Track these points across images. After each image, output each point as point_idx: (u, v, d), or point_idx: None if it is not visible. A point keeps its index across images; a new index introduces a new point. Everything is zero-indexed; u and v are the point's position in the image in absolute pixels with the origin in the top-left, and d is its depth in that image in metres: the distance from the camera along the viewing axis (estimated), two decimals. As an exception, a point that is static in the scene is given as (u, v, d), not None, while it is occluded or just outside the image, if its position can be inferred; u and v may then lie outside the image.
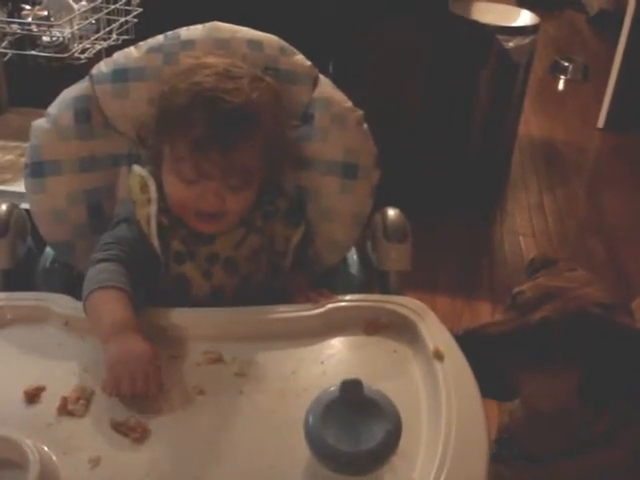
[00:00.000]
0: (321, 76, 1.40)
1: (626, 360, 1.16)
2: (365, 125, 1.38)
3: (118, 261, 1.16)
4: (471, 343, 1.16)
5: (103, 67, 1.36)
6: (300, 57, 1.39)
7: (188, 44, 1.35)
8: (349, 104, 1.38)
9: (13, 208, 1.32)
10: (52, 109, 1.34)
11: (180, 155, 1.19)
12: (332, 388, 0.89)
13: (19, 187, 1.99)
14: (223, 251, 1.25)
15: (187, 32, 1.38)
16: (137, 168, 1.28)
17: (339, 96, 1.38)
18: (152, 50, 1.36)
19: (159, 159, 1.25)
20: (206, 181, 1.19)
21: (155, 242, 1.22)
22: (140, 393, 1.00)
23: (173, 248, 1.23)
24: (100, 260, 1.17)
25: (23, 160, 2.18)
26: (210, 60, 1.24)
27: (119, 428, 0.97)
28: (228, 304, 1.22)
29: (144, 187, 1.25)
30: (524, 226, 3.13)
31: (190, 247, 1.24)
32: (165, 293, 1.23)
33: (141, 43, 1.38)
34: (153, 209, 1.23)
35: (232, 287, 1.26)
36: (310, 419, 0.85)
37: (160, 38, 1.37)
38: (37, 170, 1.31)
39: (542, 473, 1.30)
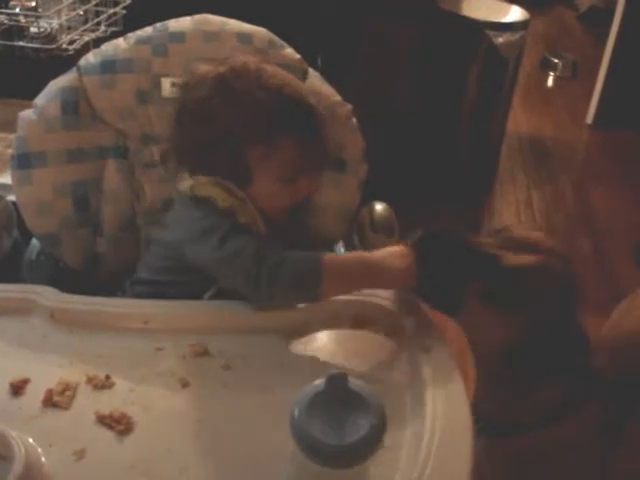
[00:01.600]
0: (310, 69, 1.40)
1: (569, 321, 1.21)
2: (354, 119, 1.38)
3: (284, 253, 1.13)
4: (447, 240, 1.17)
5: (91, 58, 1.35)
6: (289, 50, 1.40)
7: (177, 36, 1.35)
8: (338, 98, 1.38)
9: (-1, 200, 1.32)
10: (39, 100, 1.34)
11: (284, 155, 1.17)
12: (317, 381, 0.89)
13: (4, 179, 1.99)
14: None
15: (176, 24, 1.38)
16: (203, 178, 1.21)
17: (328, 90, 1.39)
18: (140, 42, 1.35)
19: (247, 177, 1.20)
20: (306, 173, 1.21)
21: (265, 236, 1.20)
22: None
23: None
24: (281, 261, 1.10)
25: (9, 152, 2.18)
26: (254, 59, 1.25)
27: (104, 420, 0.97)
28: None
29: (230, 191, 1.19)
30: (512, 221, 3.13)
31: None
32: None
33: (129, 35, 1.38)
34: (252, 207, 1.20)
35: None
36: (295, 412, 0.85)
37: (149, 30, 1.37)
38: (23, 161, 1.31)
39: (504, 448, 1.31)
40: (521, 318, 1.19)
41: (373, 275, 1.11)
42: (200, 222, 1.17)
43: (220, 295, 1.19)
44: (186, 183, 1.23)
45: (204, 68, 1.22)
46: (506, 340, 1.20)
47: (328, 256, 1.12)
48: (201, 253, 1.15)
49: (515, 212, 3.20)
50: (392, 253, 1.10)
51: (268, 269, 1.08)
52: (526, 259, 1.19)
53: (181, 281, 1.21)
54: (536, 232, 1.29)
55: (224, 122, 1.17)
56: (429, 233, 1.15)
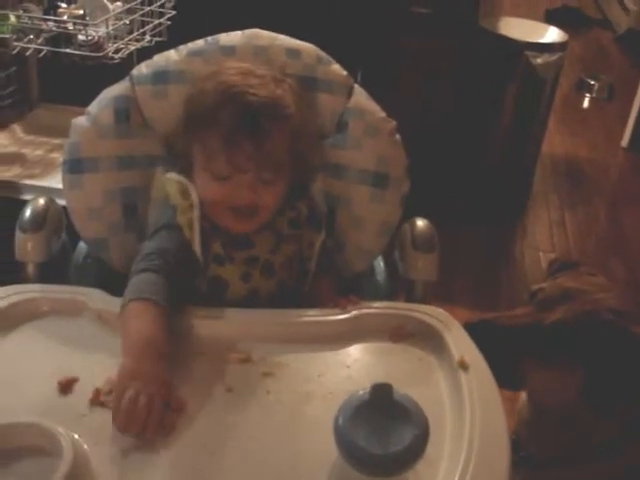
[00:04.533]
0: (356, 86, 1.42)
1: (633, 367, 1.19)
2: (398, 136, 1.40)
3: (159, 272, 1.15)
4: (485, 331, 1.20)
5: (144, 69, 1.38)
6: (337, 67, 1.41)
7: (228, 50, 1.38)
8: (383, 115, 1.40)
9: (50, 203, 1.34)
10: (92, 108, 1.36)
11: (212, 150, 1.21)
12: (361, 391, 0.90)
13: (47, 182, 2.03)
14: (262, 254, 1.28)
15: (227, 38, 1.40)
16: (174, 175, 1.29)
17: (373, 106, 1.40)
18: (192, 54, 1.38)
19: (189, 162, 1.27)
20: (240, 175, 1.21)
21: (197, 247, 1.23)
22: (138, 419, 0.95)
23: (213, 251, 1.25)
24: (142, 270, 1.16)
25: (52, 156, 2.24)
26: (233, 64, 1.30)
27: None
28: (263, 307, 1.24)
29: (184, 193, 1.25)
30: (544, 242, 3.13)
31: (229, 251, 1.26)
32: (202, 293, 1.25)
33: (181, 47, 1.40)
34: (196, 214, 1.23)
35: (268, 291, 1.28)
36: (340, 420, 0.87)
37: (200, 42, 1.40)
38: (75, 167, 1.33)
39: (548, 478, 1.32)
40: (579, 369, 1.21)
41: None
42: (157, 216, 1.31)
43: None
44: (166, 175, 1.32)
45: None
46: (575, 394, 1.21)
47: (136, 306, 1.10)
48: None
49: (548, 234, 3.19)
50: (134, 373, 1.00)
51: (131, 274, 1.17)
52: (560, 312, 1.22)
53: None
54: (565, 278, 1.31)
55: (186, 114, 1.28)
56: (469, 327, 1.18)
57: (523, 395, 1.40)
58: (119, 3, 2.08)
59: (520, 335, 1.24)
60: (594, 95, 4.74)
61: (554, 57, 3.17)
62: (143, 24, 2.12)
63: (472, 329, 1.17)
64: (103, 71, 1.94)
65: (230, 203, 1.23)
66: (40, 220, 1.31)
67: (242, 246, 1.27)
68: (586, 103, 4.72)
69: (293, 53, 1.39)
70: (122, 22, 2.06)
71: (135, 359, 1.03)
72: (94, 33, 2.02)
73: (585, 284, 1.27)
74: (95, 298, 1.19)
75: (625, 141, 4.03)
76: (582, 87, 4.80)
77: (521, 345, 1.24)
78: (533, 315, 1.25)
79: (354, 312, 1.20)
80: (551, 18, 5.44)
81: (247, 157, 1.20)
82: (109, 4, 2.06)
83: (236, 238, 1.26)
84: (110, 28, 2.01)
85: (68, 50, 2.03)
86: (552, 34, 3.31)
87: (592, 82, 4.77)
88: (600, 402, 1.21)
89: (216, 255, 1.25)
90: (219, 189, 1.22)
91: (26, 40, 2.02)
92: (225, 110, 1.20)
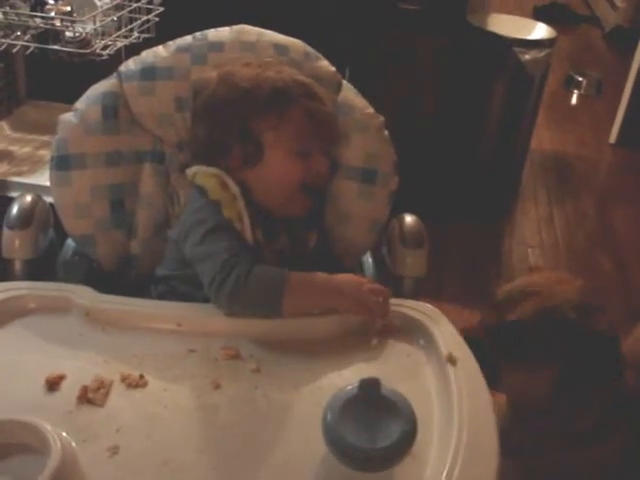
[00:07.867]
0: (344, 82, 1.42)
1: (595, 361, 1.21)
2: (386, 132, 1.40)
3: (254, 263, 1.17)
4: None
5: (131, 65, 1.38)
6: (324, 63, 1.41)
7: (216, 46, 1.37)
8: (371, 110, 1.40)
9: (38, 200, 1.34)
10: (80, 104, 1.36)
11: (299, 126, 1.25)
12: (350, 386, 0.90)
13: (36, 179, 2.02)
14: (285, 248, 1.29)
15: (215, 34, 1.40)
16: (205, 168, 1.28)
17: (361, 102, 1.40)
18: (180, 50, 1.38)
19: (259, 153, 1.26)
20: (317, 149, 1.28)
21: (249, 236, 1.23)
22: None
23: (256, 237, 1.25)
24: (248, 272, 1.15)
25: (40, 153, 2.23)
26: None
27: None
28: None
29: (223, 185, 1.25)
30: (533, 238, 3.13)
31: (267, 237, 1.26)
32: None
33: (169, 42, 1.40)
34: (241, 204, 1.24)
35: None
36: (328, 415, 0.87)
37: (188, 38, 1.39)
38: (63, 163, 1.33)
39: (539, 465, 1.32)
40: (547, 367, 1.22)
41: (331, 298, 1.17)
42: (194, 214, 1.24)
43: None
44: (192, 170, 1.29)
45: (209, 72, 1.30)
46: (542, 388, 1.22)
47: (294, 274, 1.16)
48: (186, 247, 1.22)
49: (536, 229, 3.20)
50: (351, 281, 1.18)
51: (234, 279, 1.14)
52: (520, 311, 1.25)
53: (189, 275, 1.23)
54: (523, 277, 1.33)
55: (231, 105, 1.25)
56: None
57: None
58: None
59: (487, 337, 1.25)
60: (582, 91, 4.75)
61: (542, 53, 3.17)
62: (131, 20, 2.11)
63: None
64: (91, 68, 1.93)
65: (312, 178, 1.28)
66: (27, 217, 1.31)
67: (274, 235, 1.28)
68: (574, 99, 4.73)
69: (281, 49, 1.39)
70: (110, 18, 2.05)
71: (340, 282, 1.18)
72: (82, 30, 2.01)
73: (543, 279, 1.30)
74: (83, 295, 1.18)
75: (613, 137, 4.04)
76: (570, 83, 4.81)
77: (489, 347, 1.24)
78: (495, 316, 1.27)
79: (342, 308, 1.20)
80: (539, 14, 5.45)
81: (327, 126, 1.30)
82: (97, 0, 2.05)
83: (272, 226, 1.28)
84: (98, 24, 2.01)
85: (55, 47, 2.02)
86: (540, 30, 3.31)
87: (580, 78, 4.78)
88: (571, 395, 1.23)
89: (257, 241, 1.25)
90: (302, 166, 1.26)
91: (13, 37, 2.01)
92: (294, 86, 1.26)
